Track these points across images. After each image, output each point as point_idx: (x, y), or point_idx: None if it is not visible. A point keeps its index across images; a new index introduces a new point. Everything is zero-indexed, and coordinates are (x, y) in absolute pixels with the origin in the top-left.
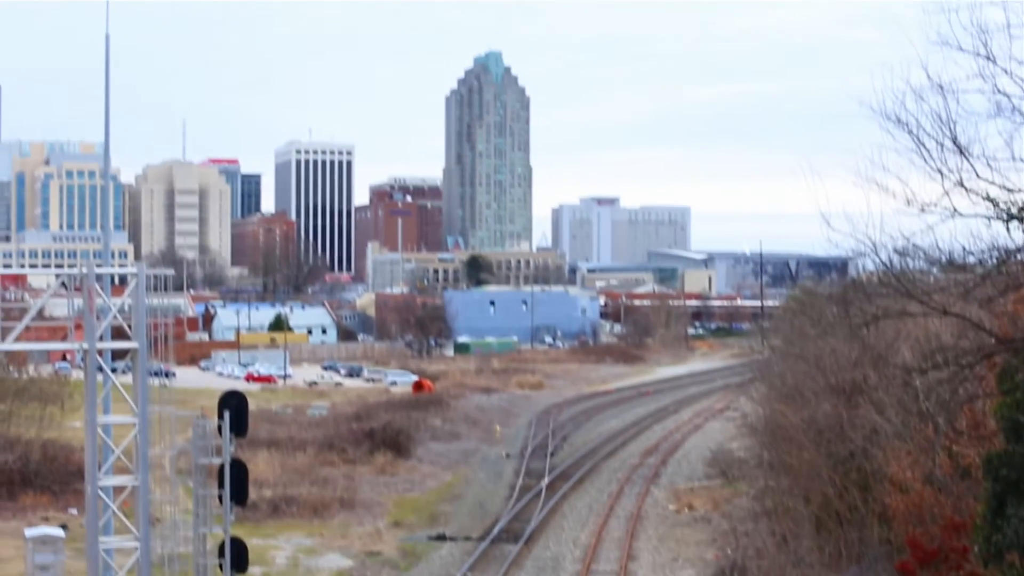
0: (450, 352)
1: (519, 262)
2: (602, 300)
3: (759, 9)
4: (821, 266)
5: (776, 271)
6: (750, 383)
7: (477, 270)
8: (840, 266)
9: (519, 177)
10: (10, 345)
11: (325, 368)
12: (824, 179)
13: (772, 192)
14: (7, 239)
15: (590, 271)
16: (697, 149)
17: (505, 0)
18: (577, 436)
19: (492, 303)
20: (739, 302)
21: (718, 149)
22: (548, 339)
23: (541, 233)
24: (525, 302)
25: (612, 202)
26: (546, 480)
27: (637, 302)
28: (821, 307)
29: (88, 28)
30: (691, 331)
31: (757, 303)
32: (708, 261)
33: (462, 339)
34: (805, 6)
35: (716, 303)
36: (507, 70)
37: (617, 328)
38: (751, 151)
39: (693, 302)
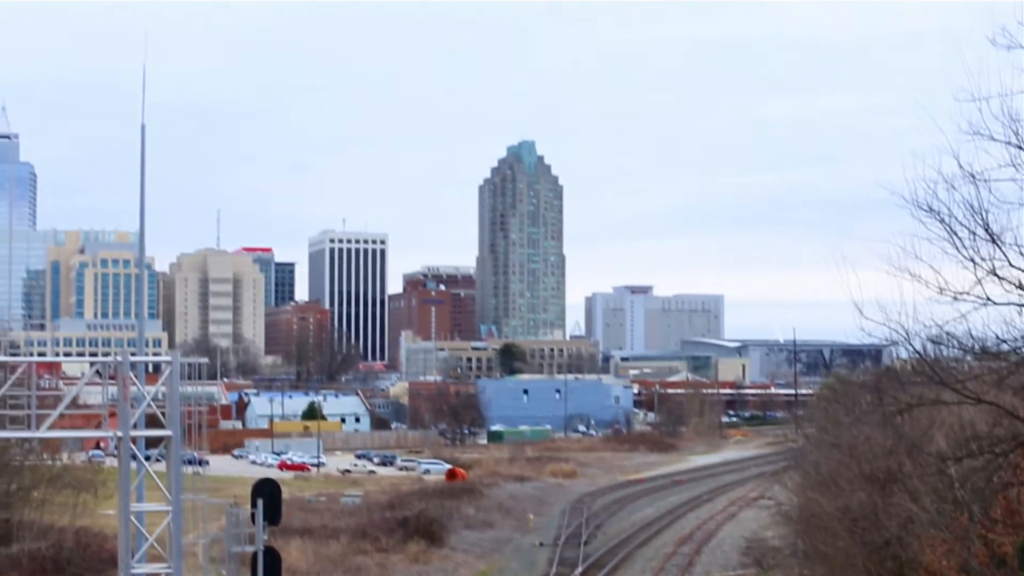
0: (483, 440)
1: (552, 351)
2: (636, 388)
3: (788, 98)
4: (855, 354)
5: (810, 359)
6: (784, 471)
7: (510, 359)
8: (874, 354)
9: (552, 266)
10: (44, 433)
11: (358, 456)
12: (856, 267)
13: (805, 280)
14: (42, 327)
15: (623, 359)
16: (730, 237)
17: (538, 90)
18: (611, 525)
19: (525, 391)
20: (773, 390)
21: (751, 237)
22: (581, 427)
23: (574, 322)
24: (558, 391)
25: (645, 290)
26: (580, 569)
27: (671, 390)
28: (855, 395)
29: (124, 118)
30: (725, 419)
31: (791, 391)
32: (742, 349)
33: (495, 427)
34: (834, 95)
35: (750, 391)
36: (540, 159)
37: (651, 416)
38: (784, 239)
39: (727, 390)
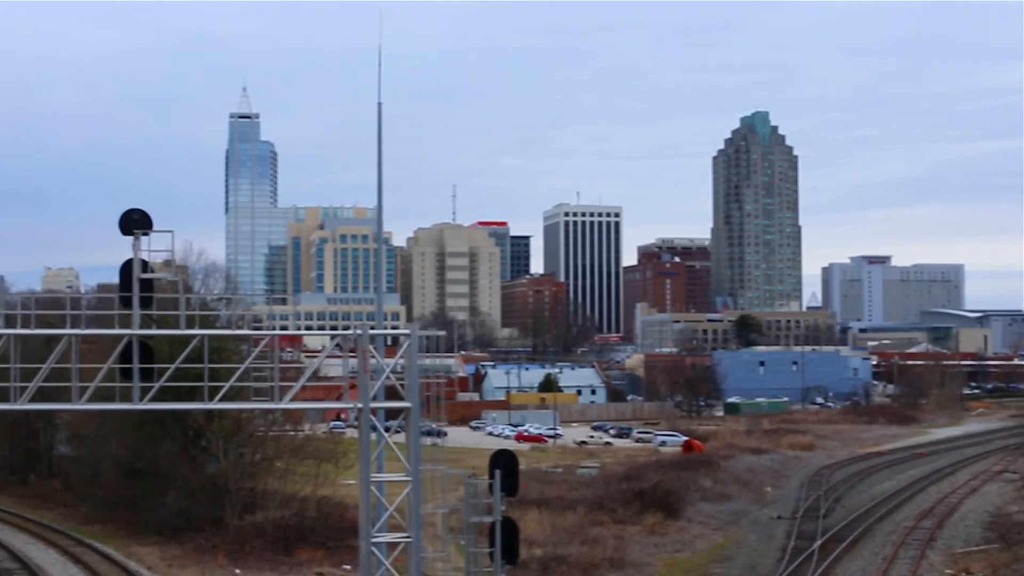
0: (720, 412)
1: (789, 322)
2: (874, 360)
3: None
4: None
5: None
6: None
7: (746, 330)
8: None
9: (788, 237)
10: (287, 404)
11: (594, 428)
12: None
13: None
14: (284, 301)
15: (861, 331)
16: (969, 206)
17: (771, 60)
18: (850, 498)
19: (762, 363)
20: (1016, 362)
21: (990, 206)
22: (819, 400)
23: (811, 293)
24: (795, 362)
25: (883, 261)
26: (818, 542)
27: (910, 362)
28: None
29: (362, 97)
30: (966, 391)
31: None
32: (983, 320)
33: (732, 399)
34: None
35: (992, 363)
36: (774, 130)
37: (890, 388)
38: None
39: (968, 362)
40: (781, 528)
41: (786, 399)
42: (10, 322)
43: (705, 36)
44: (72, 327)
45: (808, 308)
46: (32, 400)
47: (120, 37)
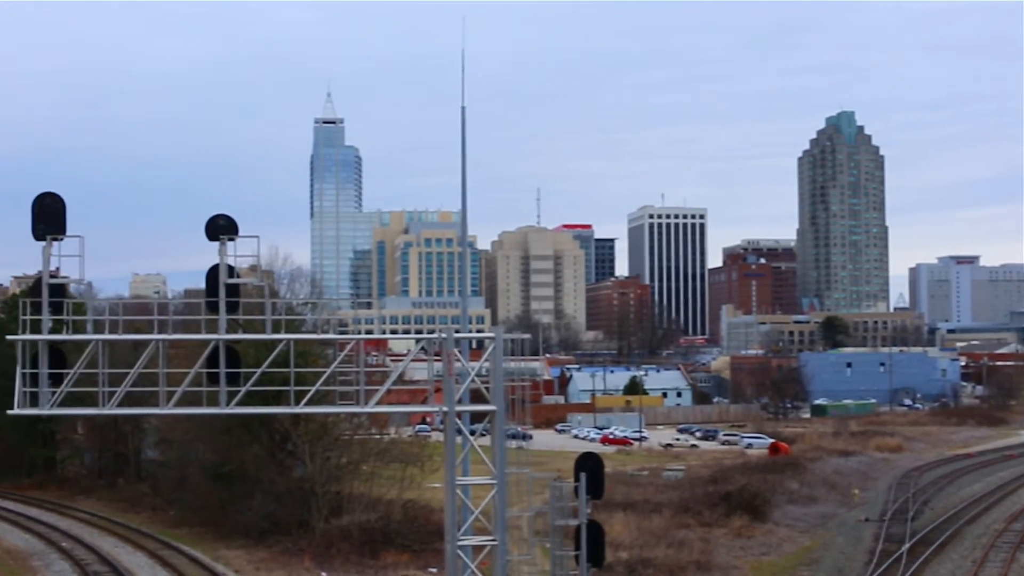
0: (806, 414)
1: (876, 323)
2: (963, 361)
3: None
4: None
5: None
6: None
7: (833, 332)
8: None
9: (874, 237)
10: (373, 408)
11: (680, 430)
12: None
13: None
14: (369, 305)
15: (949, 332)
16: None
17: (855, 61)
18: (938, 500)
19: (849, 365)
20: None
21: None
22: (907, 401)
23: (898, 294)
24: (883, 364)
25: (971, 261)
26: (907, 545)
27: (1000, 363)
28: None
29: (446, 100)
30: None
31: None
32: None
33: (819, 401)
34: None
35: None
36: (860, 129)
37: (979, 390)
38: None
39: None
40: (869, 531)
41: (873, 401)
42: (98, 328)
43: (789, 37)
44: (159, 332)
45: (895, 309)
46: (120, 405)
47: (205, 45)
